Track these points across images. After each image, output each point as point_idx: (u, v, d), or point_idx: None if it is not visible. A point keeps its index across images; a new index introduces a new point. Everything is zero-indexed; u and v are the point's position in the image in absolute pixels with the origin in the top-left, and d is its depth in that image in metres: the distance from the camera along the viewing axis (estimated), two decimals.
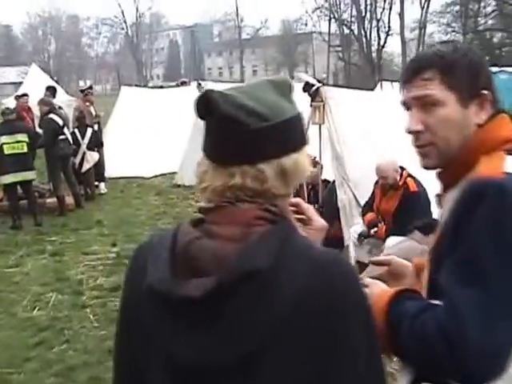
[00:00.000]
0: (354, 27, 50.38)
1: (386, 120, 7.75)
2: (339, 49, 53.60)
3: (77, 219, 9.28)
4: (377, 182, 6.33)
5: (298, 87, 7.74)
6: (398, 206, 5.99)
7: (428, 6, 48.80)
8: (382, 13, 49.34)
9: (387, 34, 49.60)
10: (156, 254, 1.29)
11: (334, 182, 7.54)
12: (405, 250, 5.13)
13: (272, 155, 1.24)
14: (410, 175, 6.04)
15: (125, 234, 8.40)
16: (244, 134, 1.22)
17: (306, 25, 57.91)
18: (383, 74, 44.13)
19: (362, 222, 6.42)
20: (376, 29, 49.57)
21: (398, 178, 6.01)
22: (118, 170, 12.35)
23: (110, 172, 12.06)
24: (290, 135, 1.28)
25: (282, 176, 1.25)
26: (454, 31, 49.49)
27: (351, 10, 50.20)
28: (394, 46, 52.19)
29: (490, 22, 47.82)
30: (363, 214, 6.46)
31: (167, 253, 1.26)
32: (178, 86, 23.07)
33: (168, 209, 10.20)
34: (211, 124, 1.26)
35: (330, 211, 7.32)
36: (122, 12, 75.52)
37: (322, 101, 7.60)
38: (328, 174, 8.11)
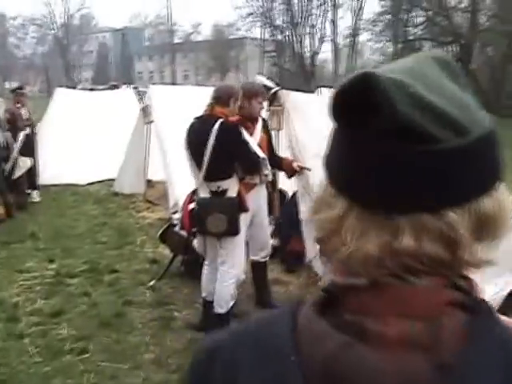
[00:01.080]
0: (288, 33, 50.40)
1: None
2: (273, 54, 53.52)
3: (8, 231, 8.43)
4: None
5: None
6: None
7: (361, 14, 49.23)
8: (315, 19, 49.56)
9: (321, 41, 49.85)
10: (261, 370, 0.72)
11: (294, 194, 7.07)
12: None
13: (468, 195, 0.69)
14: None
15: (62, 248, 7.65)
16: (429, 156, 0.67)
17: (239, 30, 57.57)
18: (317, 80, 44.32)
19: None
20: (310, 35, 49.75)
21: None
22: (50, 176, 11.53)
23: (41, 178, 11.21)
24: (493, 159, 0.72)
25: (479, 230, 0.71)
26: (385, 40, 50.23)
27: (285, 16, 50.21)
28: (328, 52, 52.42)
29: (419, 32, 48.78)
30: None
31: (293, 373, 0.69)
32: (109, 89, 22.17)
33: (108, 219, 9.46)
34: (365, 135, 0.70)
35: (289, 225, 6.84)
36: (51, 12, 73.27)
37: (281, 105, 7.10)
38: (284, 184, 7.62)
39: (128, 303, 5.76)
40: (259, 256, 5.69)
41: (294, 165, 5.65)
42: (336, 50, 51.26)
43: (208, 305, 5.06)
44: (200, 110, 10.12)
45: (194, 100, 10.40)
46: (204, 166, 4.62)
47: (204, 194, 4.78)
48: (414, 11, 47.31)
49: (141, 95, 13.25)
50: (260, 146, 5.30)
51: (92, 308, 5.63)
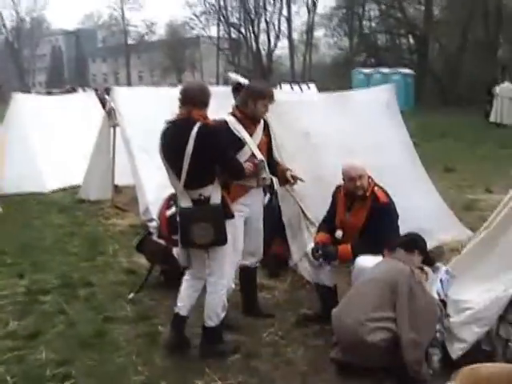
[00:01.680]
0: (244, 30, 50.11)
1: (325, 121, 7.14)
2: (228, 52, 53.15)
3: None
4: (337, 190, 5.60)
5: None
6: (367, 219, 5.23)
7: (316, 10, 49.22)
8: (271, 16, 49.38)
9: (277, 37, 49.72)
10: None
11: (271, 198, 6.81)
12: (392, 273, 4.44)
13: None
14: (376, 184, 5.37)
15: (31, 262, 7.22)
16: None
17: (193, 29, 56.98)
18: (274, 77, 44.16)
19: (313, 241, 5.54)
20: (266, 32, 49.56)
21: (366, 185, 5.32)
22: (11, 185, 11.05)
23: (2, 188, 10.79)
24: None
25: None
26: (340, 34, 50.39)
27: (240, 13, 49.88)
28: (285, 48, 52.25)
29: (373, 25, 49.08)
30: (318, 231, 5.64)
31: None
32: (66, 92, 21.63)
33: (76, 229, 9.04)
34: None
35: (270, 228, 6.56)
36: (0, 15, 71.37)
37: None
38: None
39: (108, 320, 5.40)
40: (249, 261, 5.39)
41: (288, 174, 5.39)
42: (291, 46, 51.13)
43: (180, 319, 4.77)
44: (167, 111, 9.90)
45: (160, 101, 10.08)
46: (183, 173, 4.31)
47: (185, 203, 4.44)
48: (369, 5, 47.52)
49: (103, 98, 12.82)
50: (259, 148, 5.06)
51: (70, 327, 5.24)
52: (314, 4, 50.37)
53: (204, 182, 4.39)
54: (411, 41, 44.68)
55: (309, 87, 24.78)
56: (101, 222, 9.48)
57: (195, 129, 4.24)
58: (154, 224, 6.26)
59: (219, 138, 4.41)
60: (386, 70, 33.97)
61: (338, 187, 5.57)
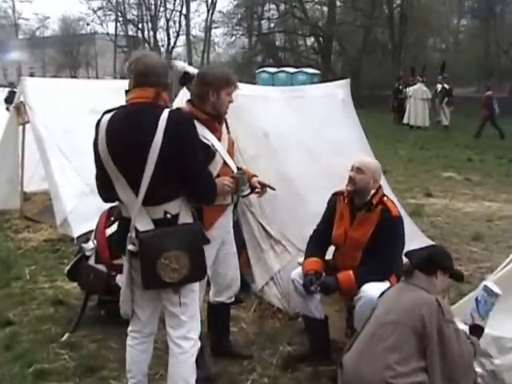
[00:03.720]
0: (142, 27, 48.53)
1: (282, 119, 6.21)
2: (126, 50, 51.24)
3: None
4: (336, 198, 4.65)
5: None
6: (373, 236, 4.31)
7: (214, 8, 48.35)
8: (170, 13, 48.06)
9: (176, 35, 48.51)
10: None
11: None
12: (416, 311, 3.32)
13: None
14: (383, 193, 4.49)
15: None
16: None
17: (88, 24, 54.47)
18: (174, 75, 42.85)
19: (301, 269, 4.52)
20: (165, 29, 48.24)
21: (373, 192, 4.42)
22: None
23: None
24: None
25: None
26: (240, 33, 49.97)
27: (138, 10, 48.20)
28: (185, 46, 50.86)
29: (272, 25, 49.04)
30: (306, 254, 4.61)
31: None
32: None
33: None
34: None
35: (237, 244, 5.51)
36: None
37: None
38: None
39: (41, 374, 4.16)
40: (224, 297, 4.34)
41: (254, 180, 4.19)
42: (189, 44, 50.06)
43: None
44: (87, 106, 8.63)
45: (79, 95, 8.94)
46: (145, 181, 3.09)
47: (144, 225, 3.17)
48: (269, 5, 47.35)
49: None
50: (228, 153, 3.99)
51: None
52: (213, 2, 49.45)
53: (171, 193, 3.20)
54: (312, 41, 44.89)
55: None
56: (9, 236, 8.04)
57: (164, 115, 3.09)
58: (90, 246, 5.00)
59: (195, 132, 3.29)
60: (291, 70, 33.60)
61: (336, 194, 4.63)
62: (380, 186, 4.48)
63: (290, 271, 5.29)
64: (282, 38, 49.14)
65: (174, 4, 47.72)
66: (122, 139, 3.12)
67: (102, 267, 4.88)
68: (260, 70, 35.69)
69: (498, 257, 7.10)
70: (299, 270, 4.50)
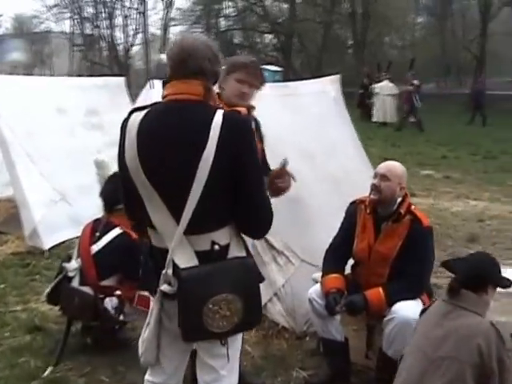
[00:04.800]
0: (99, 25, 47.28)
1: (275, 117, 5.70)
2: (82, 48, 49.96)
3: None
4: (356, 207, 4.16)
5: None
6: (402, 249, 3.85)
7: (171, 6, 47.57)
8: (128, 10, 46.98)
9: (135, 33, 47.51)
10: None
11: None
12: (472, 342, 2.81)
13: None
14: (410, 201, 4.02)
15: None
16: None
17: (43, 23, 52.90)
18: (131, 74, 42.00)
19: (320, 286, 4.01)
20: (122, 27, 47.19)
21: (399, 200, 3.94)
22: None
23: None
24: None
25: None
26: (197, 31, 49.38)
27: (95, 8, 46.93)
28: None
29: (230, 22, 48.66)
30: (325, 270, 4.09)
31: None
32: None
33: None
34: None
35: None
36: None
37: None
38: None
39: None
40: None
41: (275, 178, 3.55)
42: (147, 43, 49.12)
43: None
44: (56, 106, 7.96)
45: (47, 93, 8.25)
46: (190, 205, 2.37)
47: (186, 260, 2.44)
48: (226, 2, 46.98)
49: None
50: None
51: None
52: (170, 0, 48.66)
53: (220, 219, 2.47)
54: (270, 38, 44.65)
55: None
56: None
57: (217, 118, 2.37)
58: (73, 265, 4.36)
59: (255, 143, 2.53)
60: None
61: (356, 203, 4.17)
62: (406, 194, 4.01)
63: (294, 285, 4.85)
64: (240, 36, 48.84)
65: (131, 1, 46.65)
66: (159, 148, 2.40)
67: (87, 290, 4.27)
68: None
69: (499, 260, 6.86)
70: (316, 287, 4.00)
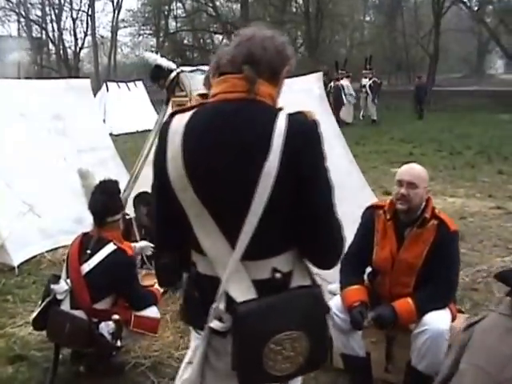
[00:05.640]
0: (47, 28, 46.18)
1: None
2: (29, 52, 48.68)
3: None
4: (373, 212, 3.86)
5: None
6: (428, 256, 3.59)
7: (120, 8, 46.74)
8: (77, 13, 45.98)
9: (85, 35, 46.55)
10: None
11: None
12: None
13: None
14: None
15: None
16: None
17: None
18: (82, 76, 41.11)
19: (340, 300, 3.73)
20: (72, 30, 46.18)
21: (424, 205, 3.66)
22: None
23: None
24: None
25: None
26: (147, 33, 48.85)
27: (42, 10, 45.73)
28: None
29: (179, 24, 48.29)
30: (343, 282, 3.77)
31: None
32: None
33: None
34: None
35: None
36: None
37: (186, 95, 4.87)
38: None
39: None
40: None
41: None
42: (96, 45, 48.19)
43: None
44: (17, 109, 7.40)
45: (5, 96, 7.69)
46: (249, 226, 1.97)
47: (242, 291, 2.03)
48: (176, 3, 46.65)
49: None
50: None
51: None
52: (119, 2, 47.81)
53: (283, 242, 2.06)
54: (220, 38, 44.48)
55: (136, 85, 23.09)
56: None
57: (281, 122, 1.97)
58: (62, 287, 3.89)
59: (324, 152, 2.04)
60: (206, 68, 32.78)
61: (373, 208, 3.86)
62: (429, 197, 3.73)
63: None
64: (190, 37, 48.47)
65: (80, 3, 45.66)
66: (211, 158, 2.00)
67: (80, 314, 3.83)
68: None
69: (490, 257, 6.84)
70: (336, 301, 3.69)
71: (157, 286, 4.35)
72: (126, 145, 14.70)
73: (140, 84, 23.66)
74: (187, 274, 2.24)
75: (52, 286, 3.94)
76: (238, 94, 2.04)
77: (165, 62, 4.87)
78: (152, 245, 4.78)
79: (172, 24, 48.83)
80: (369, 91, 22.49)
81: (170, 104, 4.92)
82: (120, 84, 22.36)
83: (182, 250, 2.22)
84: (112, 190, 4.09)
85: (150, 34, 48.94)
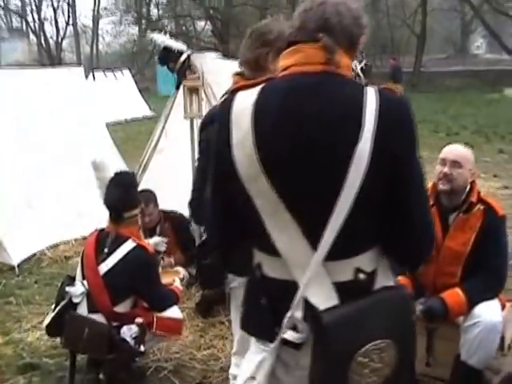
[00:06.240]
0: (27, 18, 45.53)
1: None
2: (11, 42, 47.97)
3: None
4: None
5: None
6: (476, 244, 3.35)
7: None
8: (58, 2, 45.29)
9: (66, 24, 45.88)
10: None
11: None
12: None
13: None
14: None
15: None
16: None
17: None
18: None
19: None
20: (54, 20, 45.53)
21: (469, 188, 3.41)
22: None
23: None
24: None
25: None
26: (129, 22, 48.30)
27: (22, 1, 45.03)
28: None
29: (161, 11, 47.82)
30: None
31: None
32: None
33: None
34: None
35: None
36: None
37: (198, 77, 4.55)
38: None
39: None
40: None
41: None
42: (77, 35, 47.52)
43: None
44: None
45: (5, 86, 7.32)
46: (336, 221, 1.65)
47: (324, 296, 1.71)
48: None
49: None
50: None
51: None
52: None
53: (368, 237, 1.76)
54: (202, 25, 44.03)
55: (123, 74, 22.73)
56: None
57: (371, 98, 1.65)
58: (78, 289, 3.59)
59: (417, 134, 1.76)
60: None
61: None
62: (474, 180, 3.47)
63: None
64: (173, 24, 48.00)
65: None
66: (290, 142, 1.67)
67: (99, 317, 3.54)
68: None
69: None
70: None
71: (176, 283, 4.09)
72: (117, 134, 14.31)
73: (127, 72, 23.30)
74: (248, 278, 1.94)
75: (67, 289, 3.62)
76: (315, 66, 1.72)
77: (174, 44, 4.54)
78: (165, 240, 4.51)
79: (154, 11, 48.21)
80: (361, 74, 22.14)
81: (182, 88, 4.60)
82: (107, 73, 21.91)
83: (239, 250, 1.93)
84: (128, 183, 3.78)
85: (132, 23, 48.38)
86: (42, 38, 45.32)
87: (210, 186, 1.88)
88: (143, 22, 46.97)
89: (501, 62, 35.65)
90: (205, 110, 4.65)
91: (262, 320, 1.84)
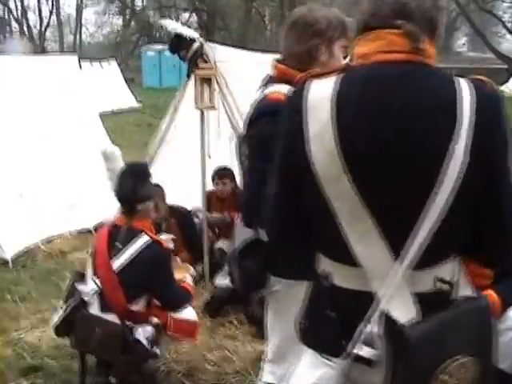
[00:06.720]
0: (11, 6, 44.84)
1: None
2: None
3: None
4: None
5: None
6: None
7: None
8: None
9: (50, 14, 45.34)
10: None
11: None
12: None
13: None
14: None
15: None
16: None
17: None
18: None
19: None
20: (38, 9, 44.98)
21: None
22: None
23: None
24: None
25: None
26: (112, 12, 47.93)
27: None
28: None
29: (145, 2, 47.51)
30: None
31: None
32: None
33: None
34: None
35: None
36: None
37: (212, 68, 4.37)
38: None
39: None
40: None
41: None
42: (60, 24, 47.02)
43: None
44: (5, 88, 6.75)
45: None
46: (425, 228, 1.48)
47: (404, 308, 1.54)
48: None
49: None
50: None
51: None
52: None
53: (456, 244, 1.60)
54: (187, 16, 43.82)
55: (109, 63, 22.49)
56: None
57: (465, 90, 1.50)
58: (90, 287, 3.39)
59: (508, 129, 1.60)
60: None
61: None
62: None
63: None
64: (157, 15, 47.75)
65: None
66: (379, 135, 1.49)
67: (112, 317, 3.34)
68: (144, 47, 34.31)
69: None
70: None
71: (188, 280, 3.91)
72: (105, 124, 14.04)
73: (113, 62, 22.99)
74: (312, 287, 1.75)
75: (78, 286, 3.42)
76: (398, 54, 1.54)
77: (186, 31, 4.33)
78: (173, 237, 4.32)
79: (138, 2, 47.78)
80: None
81: (193, 77, 4.41)
82: (93, 63, 21.54)
83: (297, 252, 1.76)
84: (142, 173, 3.58)
85: (115, 13, 48.04)
86: (25, 27, 44.70)
87: (275, 181, 1.70)
88: (127, 12, 46.65)
89: (484, 61, 35.85)
90: (217, 101, 4.47)
91: (329, 332, 1.66)
